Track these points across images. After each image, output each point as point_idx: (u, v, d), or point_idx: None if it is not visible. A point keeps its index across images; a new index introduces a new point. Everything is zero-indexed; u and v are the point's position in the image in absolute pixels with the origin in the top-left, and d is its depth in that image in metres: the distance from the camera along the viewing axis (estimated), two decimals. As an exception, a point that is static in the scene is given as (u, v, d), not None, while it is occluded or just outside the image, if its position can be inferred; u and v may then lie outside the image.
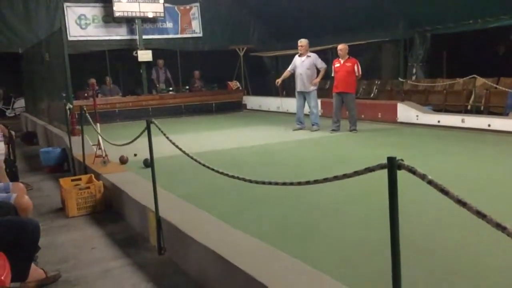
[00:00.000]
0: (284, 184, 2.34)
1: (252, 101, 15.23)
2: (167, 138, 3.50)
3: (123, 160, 6.61)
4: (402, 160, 1.62)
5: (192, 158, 3.30)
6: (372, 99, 12.72)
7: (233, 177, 2.79)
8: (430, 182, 1.54)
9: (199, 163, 3.16)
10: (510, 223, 1.38)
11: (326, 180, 2.02)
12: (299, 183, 2.22)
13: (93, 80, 12.20)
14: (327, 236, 3.65)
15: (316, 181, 2.09)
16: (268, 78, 16.66)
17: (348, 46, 9.34)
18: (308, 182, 2.16)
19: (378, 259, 2.98)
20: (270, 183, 2.47)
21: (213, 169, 3.00)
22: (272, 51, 16.36)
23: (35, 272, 3.14)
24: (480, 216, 1.40)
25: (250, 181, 2.63)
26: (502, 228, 1.35)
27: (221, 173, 2.90)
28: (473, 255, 3.15)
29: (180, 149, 3.42)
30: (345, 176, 1.90)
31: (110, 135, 6.06)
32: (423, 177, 1.55)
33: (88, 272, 3.44)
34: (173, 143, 3.43)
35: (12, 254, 2.62)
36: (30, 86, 13.14)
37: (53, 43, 9.07)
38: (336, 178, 1.96)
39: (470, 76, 10.07)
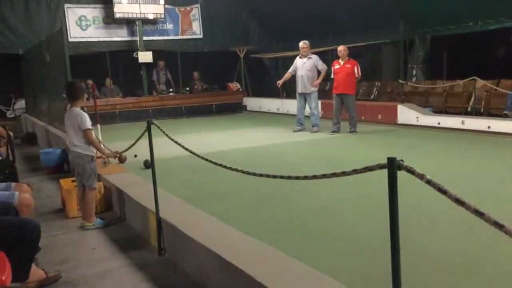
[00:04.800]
0: (282, 177, 2.40)
1: (252, 103, 15.23)
2: (170, 138, 3.51)
3: (121, 159, 6.63)
4: (402, 160, 1.63)
5: (198, 155, 3.32)
6: (372, 100, 12.73)
7: (236, 170, 2.84)
8: (428, 182, 1.55)
9: (210, 161, 3.17)
10: (508, 222, 1.39)
11: (324, 176, 2.05)
12: (297, 178, 2.28)
13: (90, 81, 12.15)
14: (326, 236, 3.65)
15: (314, 177, 2.13)
16: (268, 80, 16.67)
17: (348, 47, 9.35)
18: (306, 177, 2.19)
19: (377, 259, 2.98)
20: (267, 176, 2.53)
21: (220, 165, 3.02)
22: (272, 53, 16.39)
23: (36, 272, 3.14)
24: (478, 215, 1.41)
25: (248, 173, 2.74)
26: (500, 226, 1.36)
27: (229, 168, 2.92)
28: (471, 254, 3.15)
29: (186, 148, 3.46)
30: (344, 173, 1.92)
31: (111, 136, 6.07)
32: (421, 176, 1.56)
33: (88, 273, 3.45)
34: (176, 142, 3.46)
35: (12, 254, 2.63)
36: (30, 87, 13.15)
37: (54, 44, 9.06)
38: (334, 175, 1.98)
39: (470, 78, 10.05)
